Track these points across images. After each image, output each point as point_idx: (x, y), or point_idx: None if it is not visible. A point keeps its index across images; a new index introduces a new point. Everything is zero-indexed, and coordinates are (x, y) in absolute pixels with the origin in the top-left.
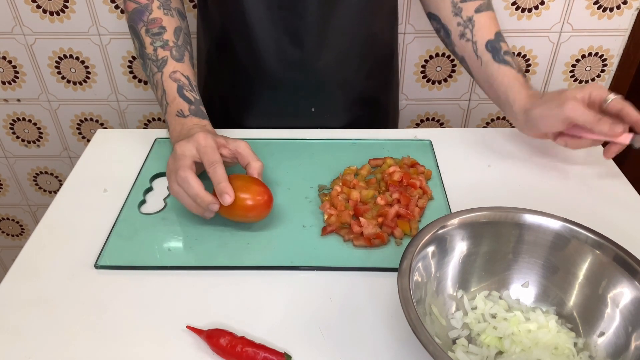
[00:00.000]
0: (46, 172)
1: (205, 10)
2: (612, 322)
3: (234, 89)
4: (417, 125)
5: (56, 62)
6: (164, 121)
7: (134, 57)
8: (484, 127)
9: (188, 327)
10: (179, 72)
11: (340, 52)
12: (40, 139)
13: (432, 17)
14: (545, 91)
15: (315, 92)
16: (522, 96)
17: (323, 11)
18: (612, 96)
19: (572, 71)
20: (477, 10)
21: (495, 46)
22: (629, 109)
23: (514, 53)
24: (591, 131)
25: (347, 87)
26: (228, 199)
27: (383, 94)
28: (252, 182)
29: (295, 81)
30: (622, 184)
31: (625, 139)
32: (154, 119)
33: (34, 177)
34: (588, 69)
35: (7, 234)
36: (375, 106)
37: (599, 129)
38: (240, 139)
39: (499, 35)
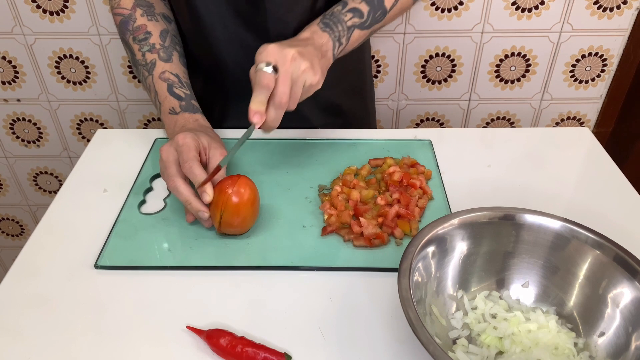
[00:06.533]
0: (46, 172)
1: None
2: (612, 322)
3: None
4: (417, 125)
5: (56, 62)
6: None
7: None
8: (484, 127)
9: (188, 327)
10: (167, 71)
11: None
12: (40, 139)
13: None
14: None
15: None
16: None
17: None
18: None
19: (572, 71)
20: None
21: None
22: None
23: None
24: None
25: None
26: (207, 197)
27: (348, 101)
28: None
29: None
30: (622, 184)
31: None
32: (154, 119)
33: (34, 177)
34: (588, 69)
35: (7, 234)
36: (340, 115)
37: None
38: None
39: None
